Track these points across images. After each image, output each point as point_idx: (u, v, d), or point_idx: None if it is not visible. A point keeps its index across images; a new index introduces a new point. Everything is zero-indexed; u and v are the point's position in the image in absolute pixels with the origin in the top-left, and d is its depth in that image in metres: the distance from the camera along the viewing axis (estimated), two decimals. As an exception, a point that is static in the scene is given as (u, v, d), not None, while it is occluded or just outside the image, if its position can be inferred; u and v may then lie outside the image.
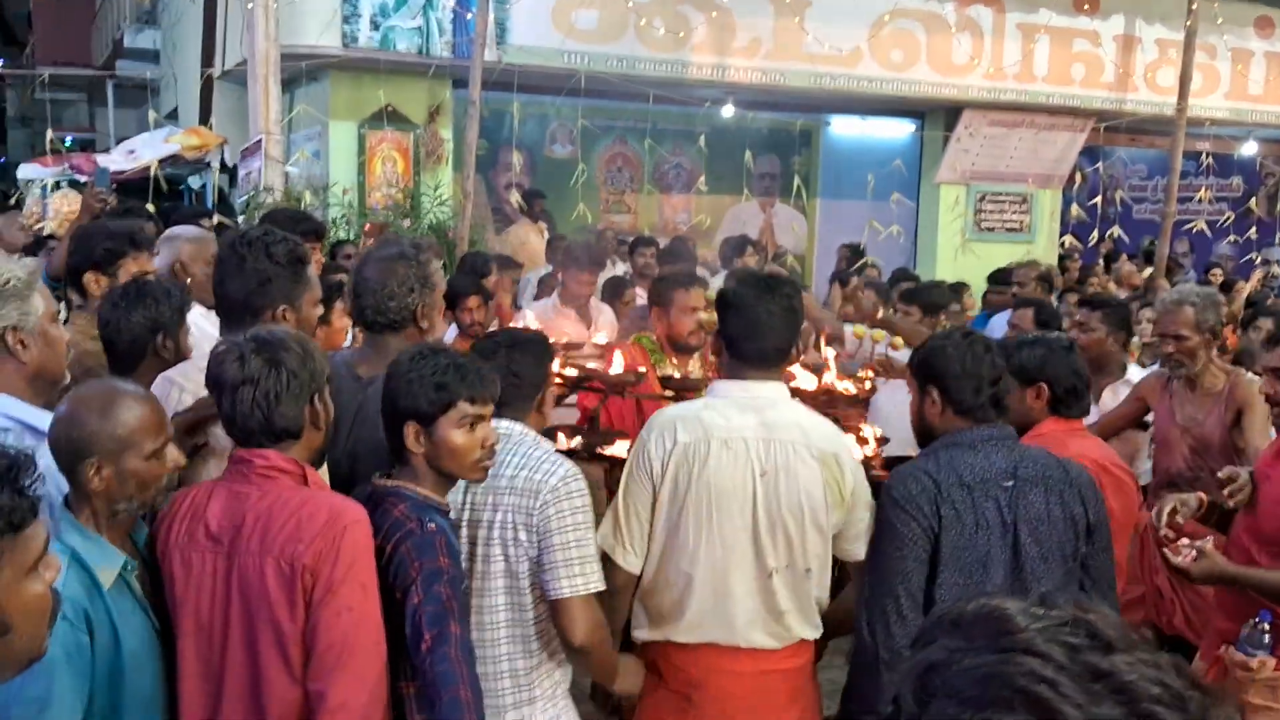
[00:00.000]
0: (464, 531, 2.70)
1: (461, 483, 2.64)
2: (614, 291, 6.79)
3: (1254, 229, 13.07)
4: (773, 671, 2.93)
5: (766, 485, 2.83)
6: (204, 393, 2.55)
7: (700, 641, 2.90)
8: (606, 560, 2.87)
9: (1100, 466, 3.23)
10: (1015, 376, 3.34)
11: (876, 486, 3.03)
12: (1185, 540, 3.19)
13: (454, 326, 5.58)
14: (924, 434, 3.03)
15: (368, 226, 8.90)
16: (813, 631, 2.98)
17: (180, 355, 3.09)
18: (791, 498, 2.83)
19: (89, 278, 3.76)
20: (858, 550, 2.97)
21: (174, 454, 2.34)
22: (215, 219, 7.12)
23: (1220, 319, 4.31)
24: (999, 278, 8.51)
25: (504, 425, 2.72)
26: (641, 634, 3.01)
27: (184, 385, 2.82)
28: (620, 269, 8.38)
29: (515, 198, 10.16)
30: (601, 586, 2.75)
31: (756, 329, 2.88)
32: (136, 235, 3.89)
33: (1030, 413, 3.40)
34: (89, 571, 2.20)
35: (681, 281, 4.55)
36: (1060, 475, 2.90)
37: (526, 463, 2.70)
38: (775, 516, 2.83)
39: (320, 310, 2.99)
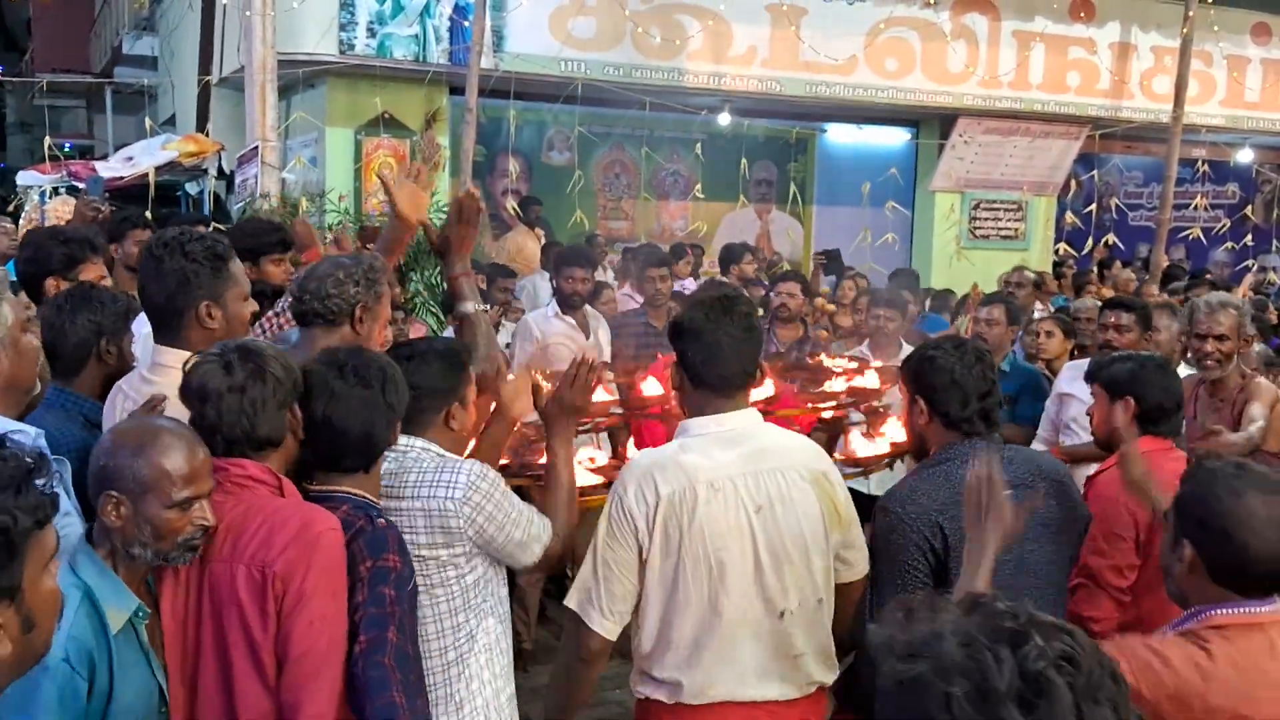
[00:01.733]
0: None
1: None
2: (594, 294, 6.78)
3: (1250, 235, 13.13)
4: None
5: (764, 520, 2.63)
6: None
7: (712, 701, 2.67)
8: (579, 625, 2.69)
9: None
10: (1105, 389, 3.38)
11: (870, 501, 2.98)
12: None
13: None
14: (918, 443, 2.99)
15: (362, 230, 8.91)
16: (829, 673, 2.77)
17: (123, 361, 3.05)
18: (792, 528, 2.65)
19: (49, 284, 3.76)
20: (860, 563, 2.80)
21: (202, 511, 2.19)
22: (210, 226, 7.12)
23: (1252, 329, 4.39)
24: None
25: (402, 442, 2.62)
26: (645, 691, 2.76)
27: (129, 394, 2.75)
28: (609, 276, 8.41)
29: (512, 204, 10.18)
30: (546, 534, 2.72)
31: (718, 354, 2.68)
32: (95, 240, 3.90)
33: (1117, 429, 3.26)
34: (99, 612, 2.11)
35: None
36: (1055, 472, 2.92)
37: (421, 482, 2.60)
38: (779, 552, 2.64)
39: (253, 306, 2.88)
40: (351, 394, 2.43)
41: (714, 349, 2.68)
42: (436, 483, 2.59)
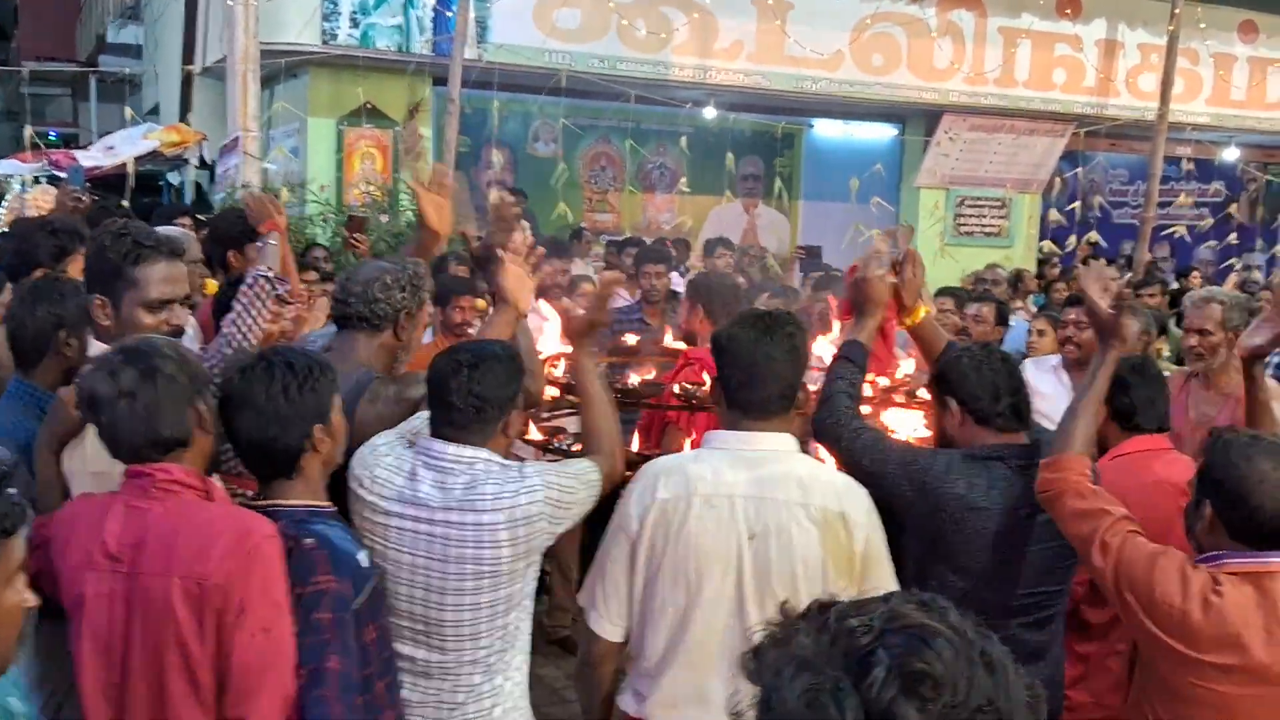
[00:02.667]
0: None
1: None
2: (570, 287, 6.75)
3: (1234, 234, 13.13)
4: None
5: (755, 550, 2.49)
6: None
7: None
8: (585, 625, 2.66)
9: (1180, 491, 2.91)
10: None
11: None
12: None
13: (429, 330, 5.55)
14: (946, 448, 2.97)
15: (349, 219, 8.87)
16: None
17: (84, 355, 3.03)
18: (784, 565, 2.48)
19: (37, 275, 3.73)
20: None
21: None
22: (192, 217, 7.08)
23: (1245, 323, 4.37)
24: None
25: (466, 454, 2.53)
26: (621, 701, 2.71)
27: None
28: (589, 269, 8.39)
29: (495, 195, 10.14)
30: (595, 472, 2.68)
31: (755, 375, 2.57)
32: (83, 232, 3.86)
33: (1102, 428, 3.25)
34: None
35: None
36: None
37: (502, 493, 2.51)
38: (764, 587, 2.49)
39: (165, 318, 2.71)
40: (243, 399, 2.34)
41: (752, 370, 2.58)
42: (518, 490, 2.51)
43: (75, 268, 3.70)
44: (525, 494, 2.51)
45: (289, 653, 2.16)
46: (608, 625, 2.62)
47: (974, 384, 2.85)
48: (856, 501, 2.57)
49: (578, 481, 2.64)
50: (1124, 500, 2.90)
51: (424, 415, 2.68)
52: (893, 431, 3.42)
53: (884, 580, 2.56)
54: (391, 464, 2.58)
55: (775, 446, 2.58)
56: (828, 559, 2.49)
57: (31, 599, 1.64)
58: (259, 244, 3.74)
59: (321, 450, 2.39)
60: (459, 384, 2.52)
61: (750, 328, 2.62)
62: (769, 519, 2.49)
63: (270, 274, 3.39)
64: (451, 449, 2.54)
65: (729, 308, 4.24)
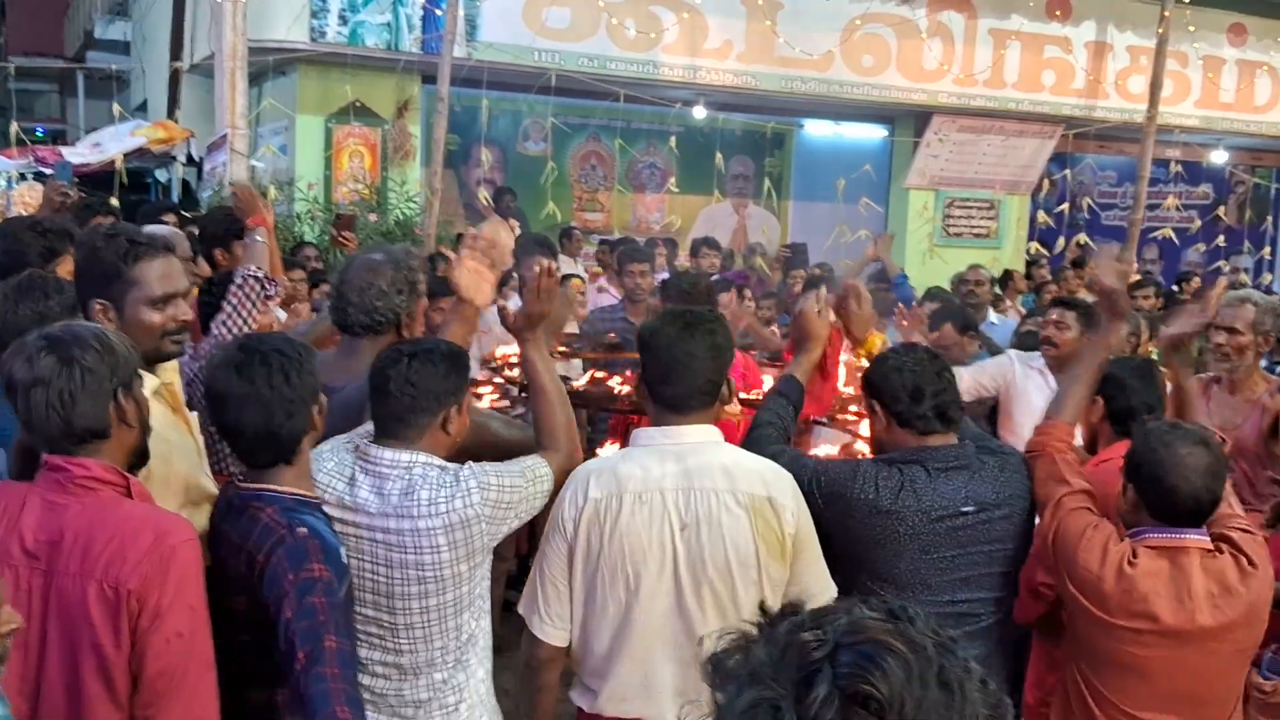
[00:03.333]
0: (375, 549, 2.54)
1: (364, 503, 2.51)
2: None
3: (1222, 237, 13.16)
4: None
5: (688, 541, 2.54)
6: None
7: (628, 716, 2.64)
8: (526, 630, 2.69)
9: None
10: None
11: None
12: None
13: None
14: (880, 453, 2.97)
15: (337, 218, 8.85)
16: None
17: None
18: (716, 553, 2.53)
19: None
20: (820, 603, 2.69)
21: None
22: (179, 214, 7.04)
23: (1277, 329, 4.35)
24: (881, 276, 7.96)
25: (403, 458, 2.52)
26: (575, 699, 2.76)
27: None
28: (579, 268, 8.38)
29: (484, 194, 10.13)
30: (545, 467, 2.67)
31: (674, 371, 2.63)
32: (73, 232, 3.84)
33: (1092, 428, 3.42)
34: None
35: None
36: (1022, 490, 2.92)
37: (436, 499, 2.51)
38: (700, 576, 2.54)
39: (165, 315, 2.66)
40: (244, 391, 2.33)
41: (671, 366, 2.63)
42: (453, 495, 2.50)
43: (64, 269, 3.67)
44: (460, 498, 2.50)
45: (204, 655, 2.15)
46: (550, 630, 2.65)
47: (894, 385, 2.85)
48: (782, 486, 2.62)
49: (524, 479, 2.62)
50: (1105, 509, 3.04)
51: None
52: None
53: (813, 562, 2.64)
54: (332, 469, 2.57)
55: (700, 438, 2.64)
56: (759, 543, 2.54)
57: (17, 619, 1.66)
58: (246, 240, 3.72)
59: (318, 429, 2.44)
60: (396, 374, 2.53)
61: (671, 325, 2.68)
62: (698, 508, 2.55)
63: (260, 274, 3.37)
64: (388, 454, 2.54)
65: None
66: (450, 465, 2.58)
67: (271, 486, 2.37)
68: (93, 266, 2.63)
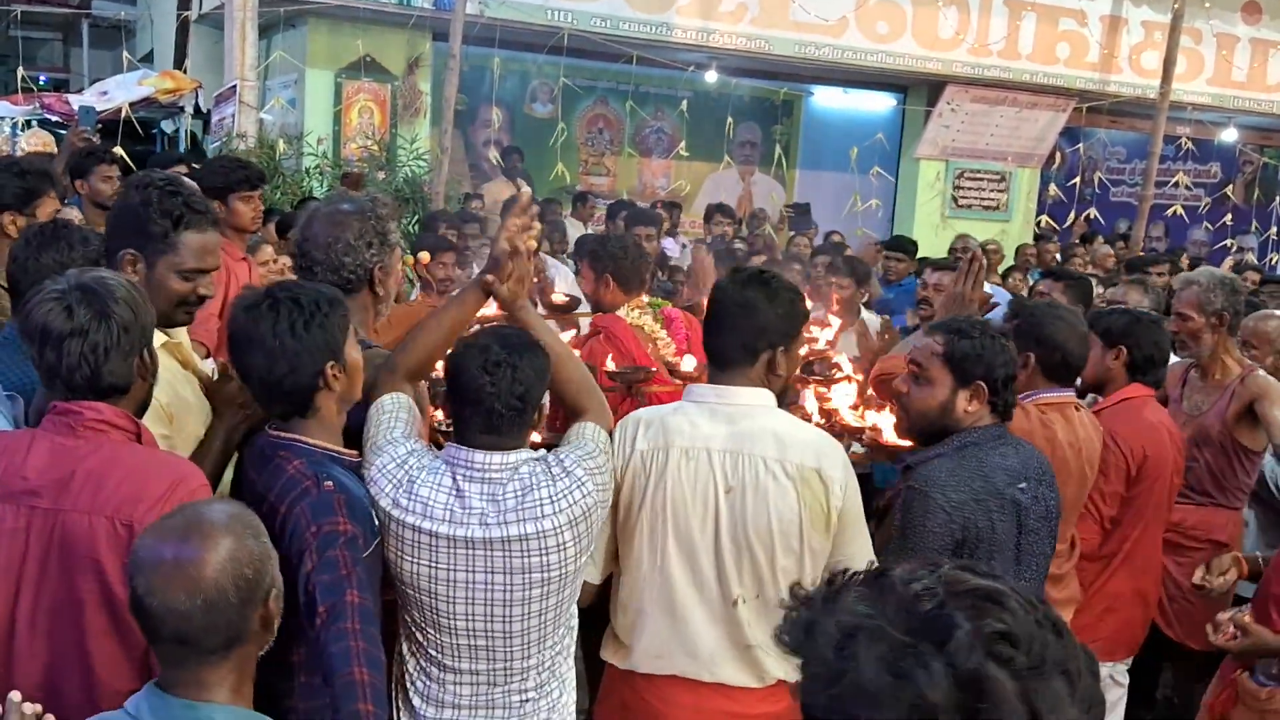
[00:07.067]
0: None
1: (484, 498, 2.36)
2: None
3: (1229, 215, 13.13)
4: (746, 716, 2.58)
5: (732, 504, 2.51)
6: None
7: (663, 673, 2.60)
8: None
9: (1171, 435, 3.70)
10: (1101, 339, 3.70)
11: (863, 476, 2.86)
12: (1226, 615, 3.09)
13: (418, 285, 5.51)
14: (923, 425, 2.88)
15: (344, 176, 8.80)
16: (794, 671, 2.63)
17: None
18: (760, 520, 2.50)
19: (5, 218, 3.68)
20: None
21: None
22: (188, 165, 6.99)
23: (1232, 305, 4.23)
24: (897, 244, 7.85)
25: (510, 460, 2.38)
26: (606, 656, 2.72)
27: None
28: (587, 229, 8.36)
29: (493, 154, 10.08)
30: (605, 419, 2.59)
31: (715, 323, 2.61)
32: (52, 173, 3.80)
33: (1108, 372, 3.73)
34: None
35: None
36: (1047, 470, 2.89)
37: (556, 494, 2.40)
38: (741, 540, 2.51)
39: (196, 288, 2.58)
40: (251, 335, 2.27)
41: (716, 317, 2.61)
42: (570, 489, 2.40)
43: (45, 210, 3.65)
44: (577, 490, 2.40)
45: None
46: (590, 569, 2.60)
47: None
48: (833, 458, 2.56)
49: (604, 455, 2.53)
50: (1128, 438, 3.58)
51: (400, 416, 2.50)
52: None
53: (859, 537, 2.59)
54: (429, 480, 2.38)
55: (752, 401, 2.58)
56: (804, 514, 2.50)
57: None
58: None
59: (336, 388, 2.32)
60: (499, 387, 2.34)
61: (737, 280, 2.65)
62: (745, 473, 2.51)
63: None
64: (496, 458, 2.38)
65: (639, 272, 4.14)
66: (547, 457, 2.47)
67: (302, 438, 2.31)
68: (138, 219, 2.54)
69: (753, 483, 2.51)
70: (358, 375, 2.39)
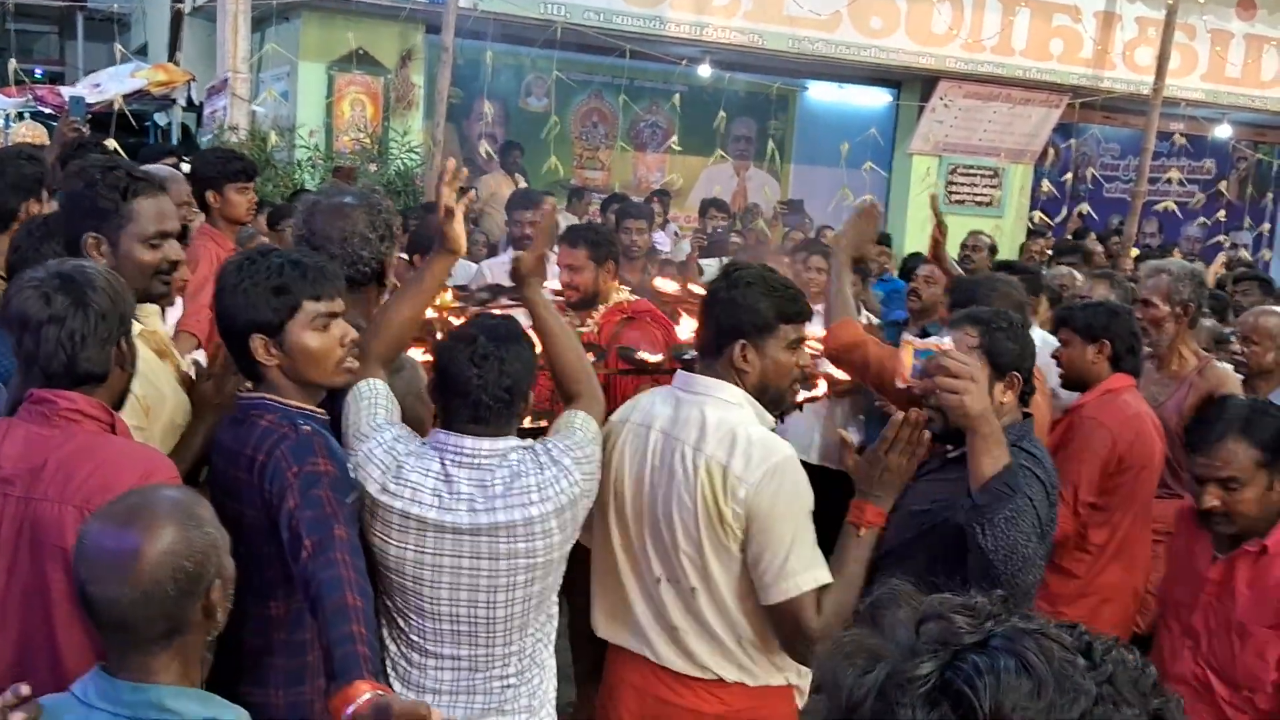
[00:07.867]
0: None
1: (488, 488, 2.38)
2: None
3: (1223, 211, 13.14)
4: (682, 709, 2.58)
5: (653, 483, 2.56)
6: None
7: (615, 642, 2.69)
8: None
9: (1153, 422, 3.81)
10: (1080, 335, 3.80)
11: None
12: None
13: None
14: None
15: (336, 169, 8.80)
16: (735, 673, 2.56)
17: None
18: (666, 504, 2.53)
19: (33, 206, 3.67)
20: (771, 590, 2.44)
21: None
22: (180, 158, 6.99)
23: (1198, 297, 4.23)
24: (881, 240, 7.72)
25: (499, 446, 2.40)
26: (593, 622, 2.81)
27: None
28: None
29: (485, 148, 10.06)
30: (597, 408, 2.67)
31: (699, 316, 2.73)
32: (42, 160, 3.82)
33: (1092, 367, 3.82)
34: None
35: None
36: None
37: (543, 482, 2.43)
38: (657, 521, 2.56)
39: (161, 255, 2.60)
40: (233, 294, 2.29)
41: (704, 308, 2.69)
42: (558, 477, 2.44)
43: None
44: (565, 479, 2.43)
45: None
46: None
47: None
48: (754, 461, 2.46)
49: (594, 444, 2.56)
50: (1114, 428, 3.62)
51: (378, 402, 2.51)
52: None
53: (774, 543, 2.44)
54: (417, 465, 2.39)
55: (705, 391, 2.58)
56: (698, 507, 2.49)
57: None
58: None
59: (270, 361, 2.32)
60: (486, 379, 2.36)
61: (727, 270, 2.71)
62: (668, 456, 2.55)
63: None
64: (485, 444, 2.40)
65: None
66: (536, 445, 2.49)
67: (270, 397, 2.34)
68: (87, 200, 2.58)
69: (670, 466, 2.55)
70: (313, 360, 2.34)
